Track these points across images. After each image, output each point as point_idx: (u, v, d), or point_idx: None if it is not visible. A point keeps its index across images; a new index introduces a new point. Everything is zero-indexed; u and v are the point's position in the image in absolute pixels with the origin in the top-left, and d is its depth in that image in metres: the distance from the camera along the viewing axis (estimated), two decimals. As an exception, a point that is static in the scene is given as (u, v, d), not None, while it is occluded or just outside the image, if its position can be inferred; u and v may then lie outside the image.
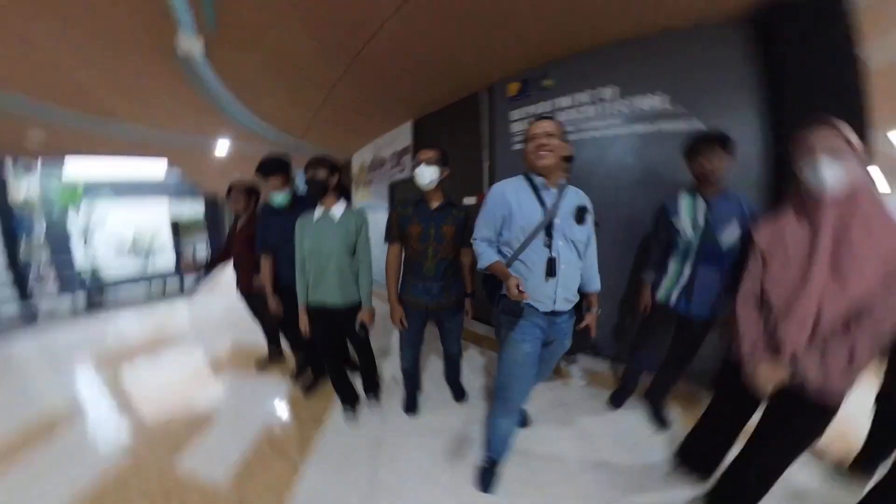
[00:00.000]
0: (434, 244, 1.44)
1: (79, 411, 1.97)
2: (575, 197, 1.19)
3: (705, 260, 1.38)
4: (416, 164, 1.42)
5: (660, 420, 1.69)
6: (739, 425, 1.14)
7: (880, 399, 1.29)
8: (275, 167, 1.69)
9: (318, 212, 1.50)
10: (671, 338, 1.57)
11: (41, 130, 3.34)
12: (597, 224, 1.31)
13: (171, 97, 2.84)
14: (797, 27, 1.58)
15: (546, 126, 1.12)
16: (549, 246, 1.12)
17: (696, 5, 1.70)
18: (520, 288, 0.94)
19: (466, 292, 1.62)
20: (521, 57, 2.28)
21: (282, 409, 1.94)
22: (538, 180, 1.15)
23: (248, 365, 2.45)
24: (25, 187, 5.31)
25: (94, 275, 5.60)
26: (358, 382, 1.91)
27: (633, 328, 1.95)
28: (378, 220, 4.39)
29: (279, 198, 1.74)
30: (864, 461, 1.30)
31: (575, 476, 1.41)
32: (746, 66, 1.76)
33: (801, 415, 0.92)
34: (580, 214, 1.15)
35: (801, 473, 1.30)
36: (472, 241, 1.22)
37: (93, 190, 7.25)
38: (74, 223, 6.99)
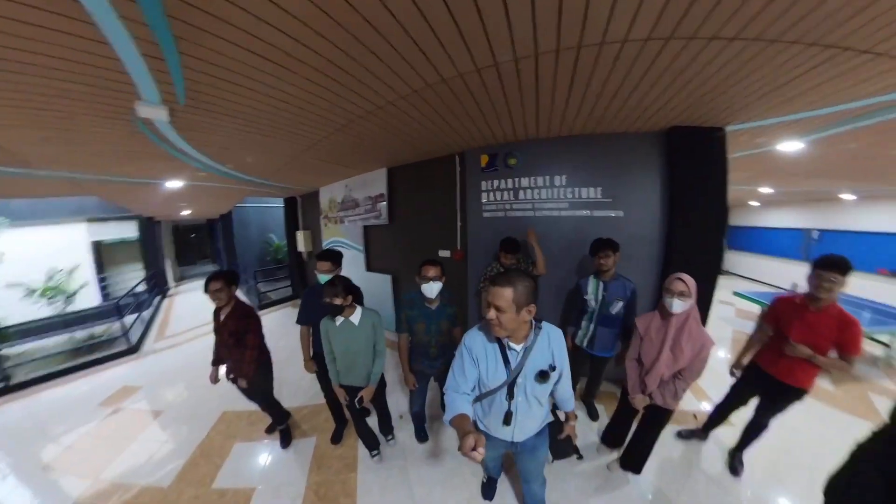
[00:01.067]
0: (436, 336, 1.99)
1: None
2: (541, 355, 1.19)
3: (602, 322, 2.23)
4: (423, 279, 1.88)
5: (592, 413, 2.60)
6: (632, 421, 2.00)
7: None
8: (326, 256, 2.12)
9: (340, 318, 1.80)
10: (587, 366, 2.47)
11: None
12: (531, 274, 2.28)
13: (120, 149, 2.62)
14: (691, 140, 2.39)
15: (497, 297, 1.06)
16: (509, 400, 1.21)
17: (635, 122, 2.39)
18: (476, 448, 0.89)
19: None
20: (490, 138, 2.81)
21: (314, 464, 2.21)
22: (505, 340, 1.17)
23: (251, 431, 2.54)
24: None
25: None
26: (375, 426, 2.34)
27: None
28: (352, 255, 4.57)
29: (324, 279, 2.04)
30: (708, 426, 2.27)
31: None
32: (658, 167, 2.57)
33: (657, 417, 1.78)
34: (543, 376, 1.18)
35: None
36: (443, 391, 1.22)
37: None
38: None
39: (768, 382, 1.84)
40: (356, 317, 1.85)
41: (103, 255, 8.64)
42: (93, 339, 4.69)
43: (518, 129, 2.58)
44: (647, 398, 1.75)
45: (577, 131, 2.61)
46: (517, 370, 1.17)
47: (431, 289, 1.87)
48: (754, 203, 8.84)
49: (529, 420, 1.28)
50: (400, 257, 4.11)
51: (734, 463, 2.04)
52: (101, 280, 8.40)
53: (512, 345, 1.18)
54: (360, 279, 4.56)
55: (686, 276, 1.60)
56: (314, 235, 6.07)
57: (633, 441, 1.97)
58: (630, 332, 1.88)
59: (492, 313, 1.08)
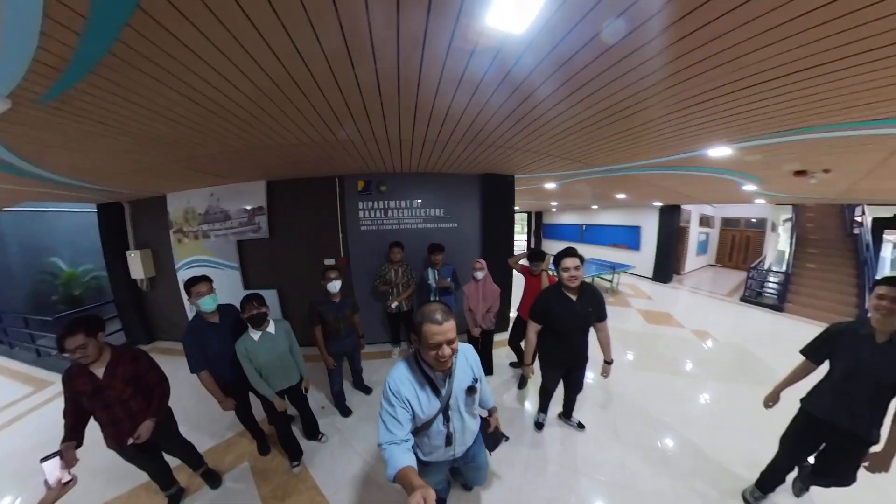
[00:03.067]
0: (343, 322, 2.75)
1: None
2: (464, 374, 1.30)
3: (441, 294, 3.57)
4: (327, 280, 2.61)
5: None
6: (477, 345, 3.30)
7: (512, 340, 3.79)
8: (200, 280, 2.16)
9: (256, 333, 2.04)
10: None
11: None
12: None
13: None
14: (494, 181, 4.04)
15: (450, 331, 1.11)
16: (446, 424, 1.27)
17: (463, 169, 3.81)
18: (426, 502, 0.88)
19: (360, 335, 3.01)
20: (366, 168, 3.72)
21: (259, 480, 2.28)
22: (428, 369, 1.21)
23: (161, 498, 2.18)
24: None
25: None
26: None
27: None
28: (223, 274, 4.43)
29: (208, 302, 2.11)
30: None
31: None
32: (477, 197, 4.15)
33: (487, 336, 3.28)
34: (471, 391, 1.30)
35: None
36: (379, 446, 1.14)
37: None
38: None
39: (523, 325, 3.38)
40: (271, 327, 2.14)
41: None
42: None
43: (388, 165, 3.61)
44: (479, 328, 3.15)
45: (428, 170, 3.88)
46: (447, 395, 1.25)
47: (335, 286, 2.65)
48: (553, 210, 13.18)
49: (467, 434, 1.38)
50: (284, 270, 4.40)
51: (522, 381, 3.42)
52: None
53: (438, 374, 1.23)
54: (238, 298, 4.49)
55: (480, 259, 3.10)
56: (158, 255, 5.14)
57: (481, 357, 3.37)
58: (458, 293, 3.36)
59: (448, 350, 1.12)
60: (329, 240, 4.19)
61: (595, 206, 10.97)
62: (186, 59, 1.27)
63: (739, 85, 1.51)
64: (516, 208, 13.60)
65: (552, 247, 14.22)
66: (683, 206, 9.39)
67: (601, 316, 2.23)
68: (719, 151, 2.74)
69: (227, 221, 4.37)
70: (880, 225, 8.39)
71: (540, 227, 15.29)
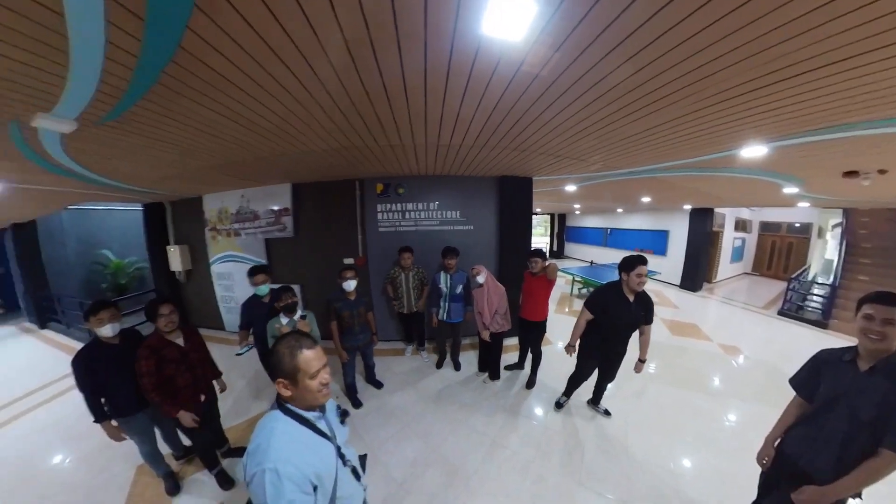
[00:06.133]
0: (357, 319, 2.91)
1: None
2: (333, 407, 1.17)
3: (452, 300, 3.52)
4: (343, 279, 2.81)
5: (457, 367, 3.86)
6: (489, 350, 3.42)
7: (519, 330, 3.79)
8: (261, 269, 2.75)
9: (286, 319, 2.35)
10: (449, 332, 3.79)
11: None
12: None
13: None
14: (512, 184, 4.09)
15: (321, 354, 1.02)
16: (346, 463, 1.12)
17: (481, 172, 3.90)
18: None
19: (373, 332, 3.15)
20: (384, 172, 3.88)
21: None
22: (311, 415, 1.03)
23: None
24: None
25: None
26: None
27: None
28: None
29: (263, 290, 2.76)
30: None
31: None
32: (494, 199, 4.22)
33: (497, 339, 3.31)
34: (345, 416, 1.20)
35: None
36: None
37: None
38: None
39: (527, 325, 3.42)
40: (298, 315, 2.43)
41: None
42: None
43: (405, 168, 3.75)
44: (488, 331, 3.18)
45: (445, 172, 3.98)
46: (335, 437, 1.09)
47: (350, 285, 2.83)
48: (577, 212, 12.88)
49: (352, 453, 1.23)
50: (307, 267, 4.68)
51: (530, 382, 3.48)
52: None
53: (317, 414, 1.07)
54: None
55: (477, 266, 3.15)
56: (194, 251, 5.66)
57: (489, 360, 3.45)
58: (469, 302, 3.38)
59: (328, 374, 1.03)
60: (349, 240, 4.40)
61: (620, 210, 10.64)
62: (222, 85, 1.52)
63: (766, 80, 1.48)
64: (538, 210, 13.43)
65: (575, 250, 13.95)
66: (717, 210, 8.86)
67: (649, 319, 2.49)
68: (754, 151, 2.61)
69: (256, 221, 4.70)
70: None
71: (563, 230, 14.98)
